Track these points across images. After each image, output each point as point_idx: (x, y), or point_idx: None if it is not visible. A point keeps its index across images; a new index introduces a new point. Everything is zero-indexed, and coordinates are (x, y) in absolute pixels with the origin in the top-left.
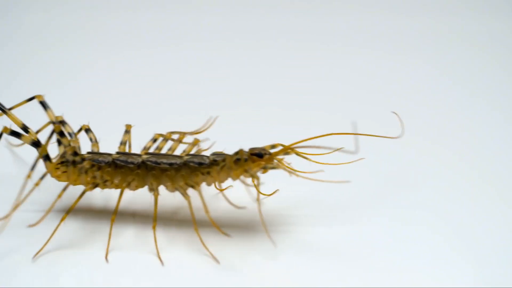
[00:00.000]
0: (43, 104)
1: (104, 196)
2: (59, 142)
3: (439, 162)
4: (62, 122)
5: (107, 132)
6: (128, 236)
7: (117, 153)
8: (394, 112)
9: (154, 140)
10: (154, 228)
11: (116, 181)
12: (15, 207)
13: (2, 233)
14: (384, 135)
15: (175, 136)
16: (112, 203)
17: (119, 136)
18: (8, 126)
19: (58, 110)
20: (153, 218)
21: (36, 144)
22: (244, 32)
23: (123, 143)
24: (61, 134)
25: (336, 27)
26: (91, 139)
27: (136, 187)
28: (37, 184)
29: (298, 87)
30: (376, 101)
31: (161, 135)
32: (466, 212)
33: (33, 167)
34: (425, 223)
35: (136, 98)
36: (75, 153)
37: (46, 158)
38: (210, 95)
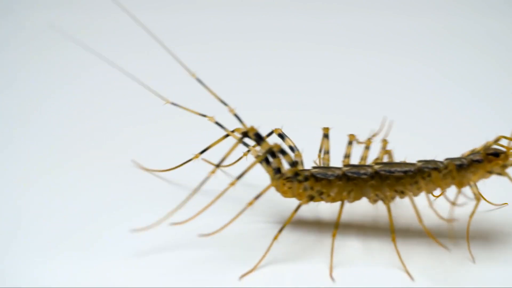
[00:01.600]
0: (281, 136)
1: (310, 207)
2: (292, 165)
3: None
4: (281, 135)
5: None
6: (352, 248)
7: (346, 165)
8: None
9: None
10: (393, 240)
11: (332, 194)
12: (235, 217)
13: (220, 244)
14: None
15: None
16: (320, 214)
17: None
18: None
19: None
20: (391, 229)
21: (273, 155)
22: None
23: (347, 156)
24: (282, 152)
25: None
26: (290, 147)
27: (354, 199)
28: (254, 200)
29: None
30: None
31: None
32: None
33: (239, 176)
34: None
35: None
36: (296, 173)
37: (278, 171)
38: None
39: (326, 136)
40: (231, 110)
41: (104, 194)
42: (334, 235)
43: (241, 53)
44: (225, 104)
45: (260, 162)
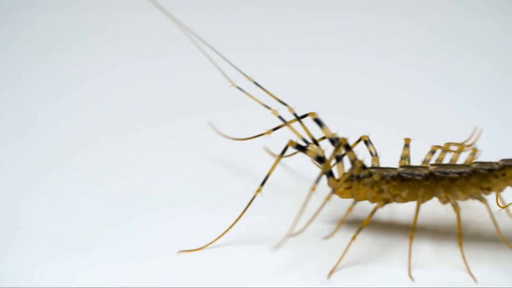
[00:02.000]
0: (318, 121)
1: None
2: (337, 159)
3: None
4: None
5: None
6: (425, 252)
7: (401, 166)
8: None
9: (432, 152)
10: (460, 245)
11: (403, 194)
12: (309, 222)
13: (291, 244)
14: None
15: (453, 148)
16: (392, 216)
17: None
18: (294, 140)
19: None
20: (458, 235)
21: (320, 159)
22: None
23: (403, 158)
24: (347, 147)
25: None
26: (371, 153)
27: (424, 200)
28: (328, 199)
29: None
30: None
31: (439, 146)
32: None
33: (317, 180)
34: None
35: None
36: (364, 167)
37: (330, 174)
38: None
39: (407, 145)
40: (290, 110)
41: (104, 194)
42: (411, 238)
43: (241, 53)
44: (284, 104)
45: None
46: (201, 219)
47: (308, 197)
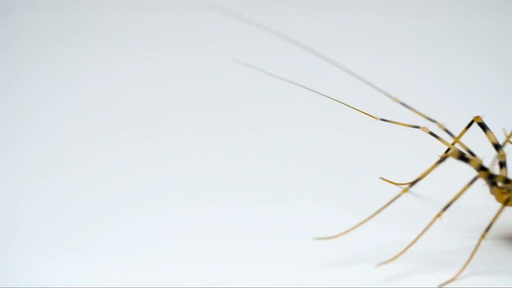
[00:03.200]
0: (482, 126)
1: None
2: (501, 165)
3: None
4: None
5: None
6: None
7: None
8: None
9: None
10: None
11: None
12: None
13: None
14: None
15: None
16: None
17: None
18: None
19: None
20: None
21: (482, 168)
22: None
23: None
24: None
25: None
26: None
27: None
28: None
29: None
30: None
31: None
32: None
33: (445, 208)
34: None
35: None
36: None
37: (493, 183)
38: None
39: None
40: (440, 126)
41: (104, 194)
42: None
43: (241, 53)
44: (433, 121)
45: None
46: (201, 219)
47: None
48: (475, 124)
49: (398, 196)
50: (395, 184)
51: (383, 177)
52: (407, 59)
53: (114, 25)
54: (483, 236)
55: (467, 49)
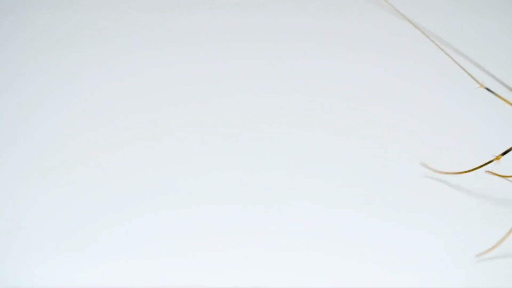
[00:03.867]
0: None
1: None
2: None
3: None
4: None
5: None
6: None
7: None
8: None
9: None
10: None
11: None
12: None
13: None
14: None
15: None
16: None
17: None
18: None
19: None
20: None
21: None
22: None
23: None
24: None
25: None
26: None
27: None
28: None
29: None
30: None
31: None
32: None
33: None
34: None
35: None
36: None
37: None
38: None
39: None
40: None
41: (104, 194)
42: None
43: (240, 54)
44: None
45: None
46: (201, 219)
47: None
48: None
49: None
50: (503, 176)
51: (489, 170)
52: (407, 59)
53: (114, 25)
54: None
55: (467, 49)
